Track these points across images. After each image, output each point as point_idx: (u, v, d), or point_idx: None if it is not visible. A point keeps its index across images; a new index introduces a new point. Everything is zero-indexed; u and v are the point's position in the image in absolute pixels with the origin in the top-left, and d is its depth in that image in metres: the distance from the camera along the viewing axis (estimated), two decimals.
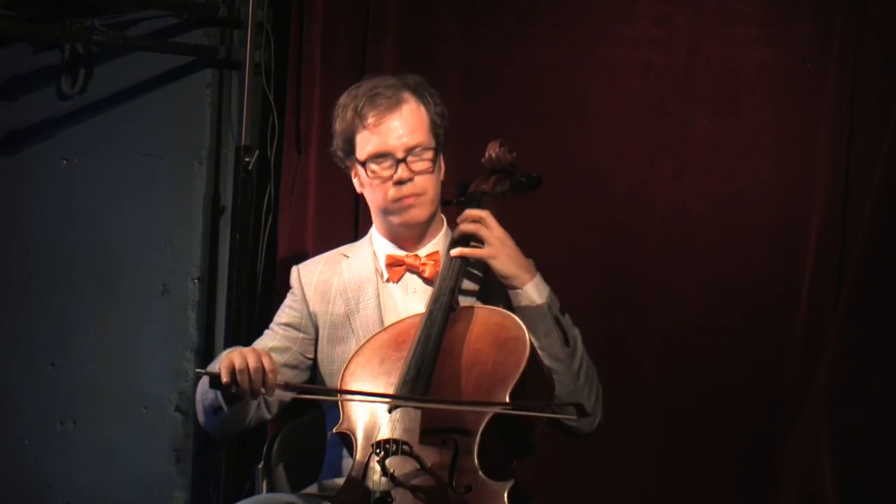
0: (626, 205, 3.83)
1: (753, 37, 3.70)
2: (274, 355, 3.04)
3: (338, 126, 3.20)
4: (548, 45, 3.93)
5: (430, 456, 2.83)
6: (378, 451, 2.84)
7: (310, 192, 4.24)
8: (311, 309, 3.24)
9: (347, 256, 3.28)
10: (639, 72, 3.82)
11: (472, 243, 3.12)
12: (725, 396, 3.71)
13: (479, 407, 2.85)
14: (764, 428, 3.64)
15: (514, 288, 3.09)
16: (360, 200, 4.19)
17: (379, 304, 3.19)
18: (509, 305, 3.10)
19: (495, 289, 3.15)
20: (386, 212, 3.18)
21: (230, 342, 4.28)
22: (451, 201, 3.26)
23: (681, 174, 3.77)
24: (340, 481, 2.99)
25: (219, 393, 3.00)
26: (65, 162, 4.77)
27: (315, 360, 3.25)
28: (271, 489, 3.27)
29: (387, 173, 3.13)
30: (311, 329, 3.25)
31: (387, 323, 3.16)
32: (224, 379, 2.90)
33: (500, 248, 3.10)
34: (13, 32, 4.76)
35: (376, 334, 3.10)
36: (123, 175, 4.63)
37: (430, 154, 3.14)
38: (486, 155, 3.25)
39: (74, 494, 4.70)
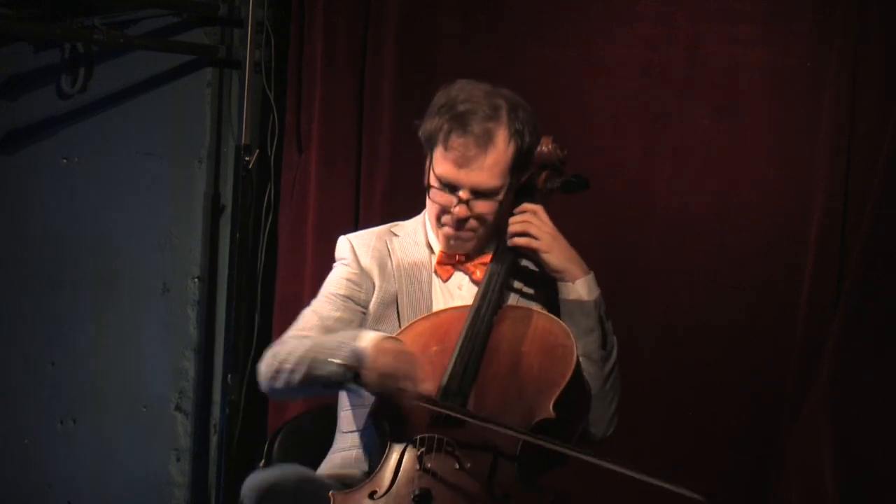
0: (626, 205, 3.83)
1: (753, 36, 3.70)
2: (338, 326, 3.03)
3: (426, 121, 3.04)
4: (548, 45, 3.93)
5: (470, 457, 2.80)
6: (419, 445, 2.81)
7: (310, 191, 4.24)
8: (372, 281, 3.14)
9: (397, 235, 3.20)
10: (639, 72, 3.82)
11: (528, 237, 3.07)
12: (725, 396, 3.71)
13: (531, 437, 2.79)
14: (764, 428, 3.65)
15: (565, 281, 3.06)
16: (360, 200, 4.20)
17: (431, 291, 3.14)
18: (551, 310, 3.07)
19: (539, 290, 3.13)
20: (436, 224, 3.12)
21: (230, 341, 4.29)
22: None
23: (681, 174, 3.77)
24: (360, 467, 2.97)
25: (346, 378, 2.88)
26: (65, 161, 4.78)
27: None
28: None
29: (446, 202, 3.04)
30: (367, 303, 3.14)
31: (436, 306, 3.12)
32: (372, 386, 2.83)
33: (552, 242, 3.07)
34: (13, 32, 4.77)
35: (416, 321, 3.04)
36: (123, 174, 4.64)
37: (499, 196, 3.03)
38: (538, 149, 3.15)
39: (74, 494, 4.70)
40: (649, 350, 3.78)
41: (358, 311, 3.13)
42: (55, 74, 4.79)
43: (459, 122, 2.98)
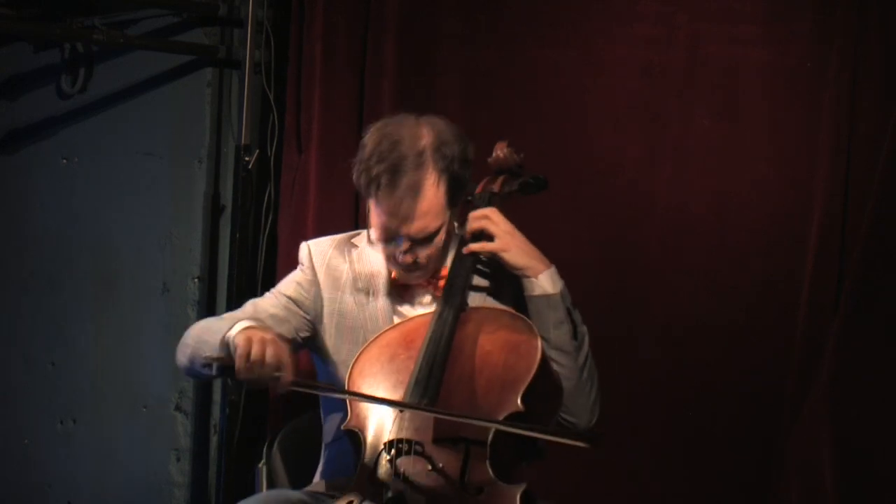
0: (626, 205, 3.83)
1: (753, 36, 3.70)
2: (269, 322, 3.06)
3: (356, 169, 3.07)
4: (548, 45, 3.93)
5: (441, 456, 2.82)
6: (390, 450, 2.83)
7: (310, 191, 4.24)
8: (321, 291, 3.18)
9: (356, 246, 3.22)
10: (639, 72, 3.82)
11: (483, 240, 3.10)
12: (725, 396, 3.71)
13: (489, 423, 2.82)
14: (764, 428, 3.65)
15: (528, 277, 3.09)
16: (360, 199, 4.20)
17: (390, 299, 3.17)
18: (519, 304, 3.10)
19: (505, 287, 3.15)
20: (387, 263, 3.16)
21: None
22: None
23: (681, 174, 3.77)
24: (346, 479, 2.96)
25: (216, 365, 2.94)
26: (65, 161, 4.78)
27: (322, 347, 3.18)
28: (272, 489, 3.26)
29: (389, 252, 3.09)
30: (312, 311, 3.18)
31: (397, 315, 3.14)
32: (241, 373, 2.83)
33: (510, 241, 3.09)
34: (13, 32, 4.77)
35: (386, 331, 3.07)
36: (123, 174, 4.64)
37: (440, 236, 3.07)
38: (494, 155, 3.24)
39: (74, 494, 4.70)
40: (649, 350, 3.79)
41: (298, 314, 3.18)
42: (55, 74, 4.79)
43: (387, 178, 3.00)
